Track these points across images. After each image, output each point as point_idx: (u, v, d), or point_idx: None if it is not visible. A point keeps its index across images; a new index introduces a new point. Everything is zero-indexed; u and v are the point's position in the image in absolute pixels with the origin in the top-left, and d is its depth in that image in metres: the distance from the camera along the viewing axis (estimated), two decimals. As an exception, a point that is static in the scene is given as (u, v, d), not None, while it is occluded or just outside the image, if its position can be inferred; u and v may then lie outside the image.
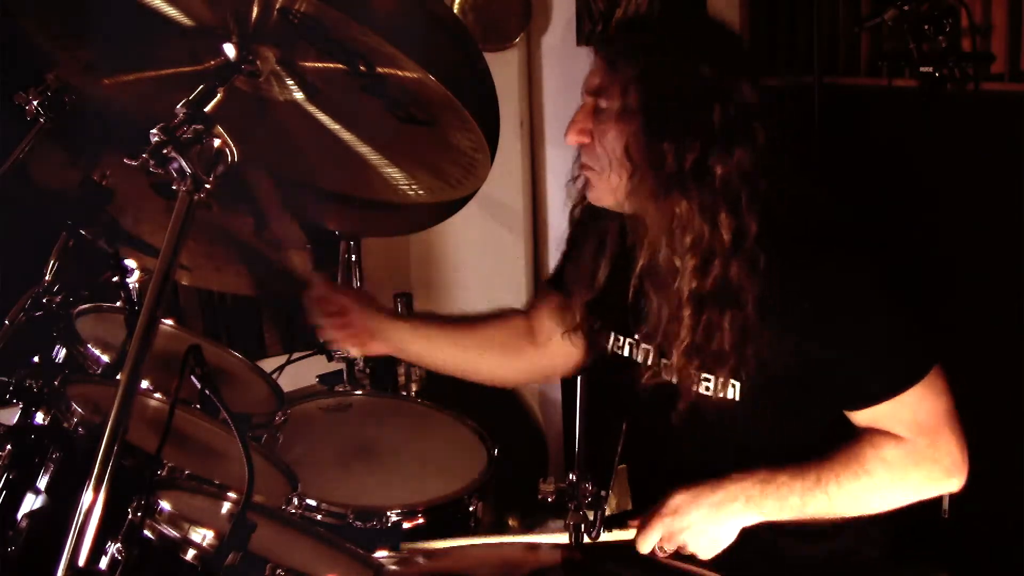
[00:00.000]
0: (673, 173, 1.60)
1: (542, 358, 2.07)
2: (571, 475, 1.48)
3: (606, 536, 1.63)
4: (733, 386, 1.67)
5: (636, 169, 1.64)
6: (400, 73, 1.38)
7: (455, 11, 3.30)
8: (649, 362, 1.77)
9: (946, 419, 1.65)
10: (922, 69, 2.32)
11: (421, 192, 1.73)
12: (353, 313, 1.99)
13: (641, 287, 1.72)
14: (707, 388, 1.68)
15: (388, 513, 1.85)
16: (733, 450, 1.70)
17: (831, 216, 1.67)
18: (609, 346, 1.87)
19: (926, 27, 2.29)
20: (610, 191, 1.69)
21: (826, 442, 1.67)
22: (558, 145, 3.73)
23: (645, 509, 1.68)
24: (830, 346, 1.62)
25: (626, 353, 1.84)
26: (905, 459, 1.63)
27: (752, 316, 1.61)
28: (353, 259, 2.45)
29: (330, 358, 2.56)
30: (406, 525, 1.85)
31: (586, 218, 1.85)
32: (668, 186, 1.62)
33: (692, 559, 1.66)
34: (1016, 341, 2.31)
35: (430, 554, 1.70)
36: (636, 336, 1.81)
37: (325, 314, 1.99)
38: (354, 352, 2.07)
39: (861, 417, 1.67)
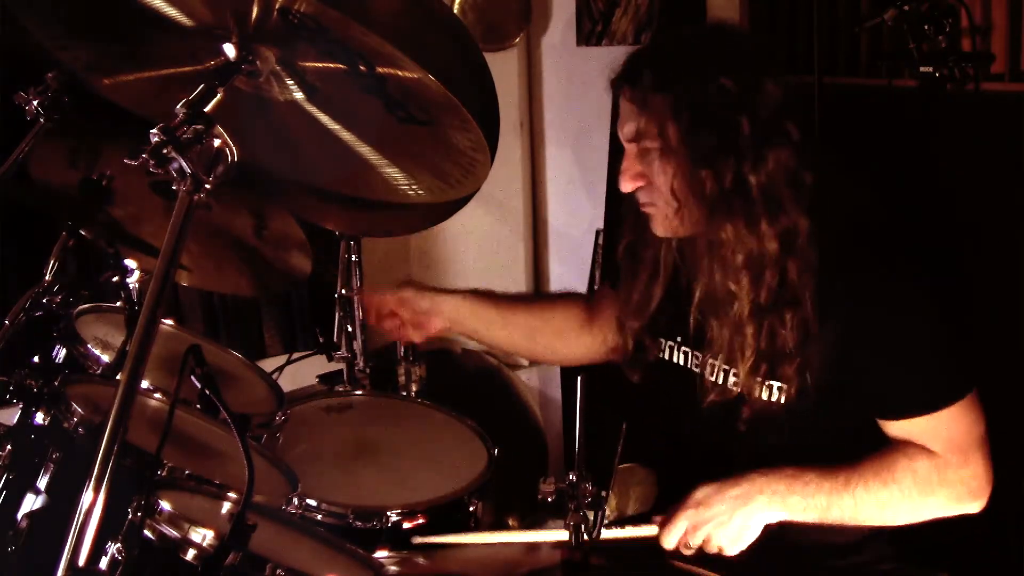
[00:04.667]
0: (716, 197, 1.62)
1: (597, 344, 2.11)
2: (571, 475, 1.48)
3: (632, 531, 1.63)
4: (781, 390, 1.67)
5: (683, 202, 1.66)
6: (400, 73, 1.38)
7: (455, 11, 3.30)
8: (708, 372, 1.76)
9: (979, 442, 1.66)
10: (922, 69, 2.32)
11: (421, 192, 1.73)
12: (402, 307, 2.10)
13: (702, 313, 1.74)
14: (760, 394, 1.69)
15: (388, 513, 1.84)
16: (776, 456, 1.70)
17: (882, 216, 1.68)
18: (660, 354, 1.88)
19: (926, 27, 2.29)
20: (670, 225, 1.72)
21: (866, 450, 1.67)
22: (558, 145, 3.74)
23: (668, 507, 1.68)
24: (876, 352, 1.63)
25: (679, 361, 1.85)
26: (935, 474, 1.63)
27: (811, 313, 1.62)
28: (353, 259, 2.44)
29: (330, 358, 2.56)
30: (406, 525, 1.85)
31: (639, 248, 1.86)
32: (712, 211, 1.63)
33: (717, 558, 1.65)
34: (1016, 341, 2.31)
35: (430, 554, 1.70)
36: (690, 344, 1.82)
37: (379, 321, 2.13)
38: (416, 339, 2.17)
39: (896, 428, 1.66)
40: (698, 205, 1.65)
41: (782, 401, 1.68)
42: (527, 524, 1.79)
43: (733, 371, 1.71)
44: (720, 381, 1.73)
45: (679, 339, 1.84)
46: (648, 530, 1.68)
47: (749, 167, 1.60)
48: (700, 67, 1.64)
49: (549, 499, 1.52)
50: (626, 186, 1.72)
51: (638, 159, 1.69)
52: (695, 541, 1.64)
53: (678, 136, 1.63)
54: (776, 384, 1.67)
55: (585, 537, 1.49)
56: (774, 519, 1.64)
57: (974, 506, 1.67)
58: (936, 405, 1.63)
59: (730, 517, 1.63)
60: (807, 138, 1.65)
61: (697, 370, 1.79)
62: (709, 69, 1.62)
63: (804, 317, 1.63)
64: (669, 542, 1.65)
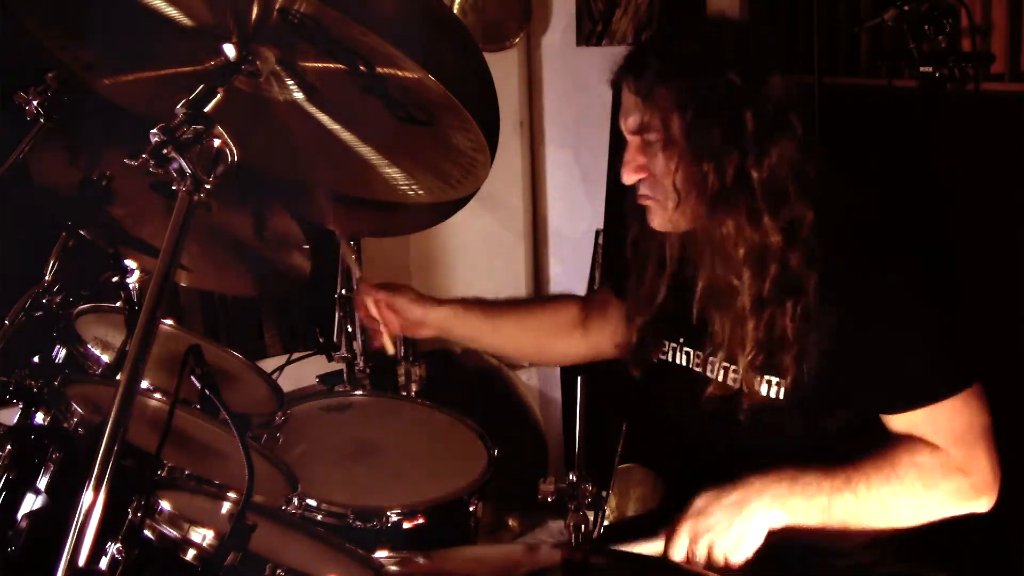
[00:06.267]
0: (717, 191, 1.62)
1: (589, 346, 2.12)
2: (571, 475, 1.47)
3: (639, 547, 1.62)
4: (779, 384, 1.67)
5: (684, 195, 1.66)
6: (400, 73, 1.38)
7: (455, 11, 3.30)
8: (709, 371, 1.77)
9: (983, 436, 1.64)
10: (922, 69, 2.31)
11: (421, 192, 1.73)
12: (396, 309, 2.11)
13: (704, 306, 1.74)
14: (759, 389, 1.69)
15: (388, 513, 1.84)
16: (776, 452, 1.69)
17: (880, 212, 1.69)
18: (663, 355, 1.88)
19: (926, 27, 2.29)
20: (669, 219, 1.71)
21: (868, 447, 1.66)
22: (558, 145, 3.74)
23: (673, 512, 1.68)
24: (874, 344, 1.62)
25: (681, 361, 1.85)
26: (938, 468, 1.62)
27: (814, 303, 1.62)
28: (353, 259, 2.44)
29: (330, 358, 2.56)
30: (406, 525, 1.85)
31: (645, 240, 1.86)
32: (713, 205, 1.63)
33: (725, 569, 1.63)
34: (1016, 341, 2.31)
35: (430, 554, 1.70)
36: (691, 344, 1.82)
37: (369, 318, 2.13)
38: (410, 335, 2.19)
39: (897, 422, 1.65)
40: (699, 199, 1.65)
41: (780, 396, 1.68)
42: (527, 524, 1.78)
43: (733, 368, 1.71)
44: (720, 378, 1.73)
45: (681, 340, 1.84)
46: (654, 545, 1.67)
47: (752, 161, 1.61)
48: (706, 60, 1.64)
49: (549, 499, 1.52)
50: (628, 178, 1.71)
51: (640, 151, 1.69)
52: (699, 551, 1.63)
53: (682, 129, 1.63)
54: (775, 379, 1.68)
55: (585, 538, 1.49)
56: (776, 523, 1.62)
57: (981, 503, 1.64)
58: (937, 396, 1.62)
59: (729, 524, 1.61)
60: (811, 131, 1.65)
61: (698, 369, 1.79)
62: (715, 62, 1.62)
63: (805, 306, 1.63)
64: (676, 555, 1.64)
